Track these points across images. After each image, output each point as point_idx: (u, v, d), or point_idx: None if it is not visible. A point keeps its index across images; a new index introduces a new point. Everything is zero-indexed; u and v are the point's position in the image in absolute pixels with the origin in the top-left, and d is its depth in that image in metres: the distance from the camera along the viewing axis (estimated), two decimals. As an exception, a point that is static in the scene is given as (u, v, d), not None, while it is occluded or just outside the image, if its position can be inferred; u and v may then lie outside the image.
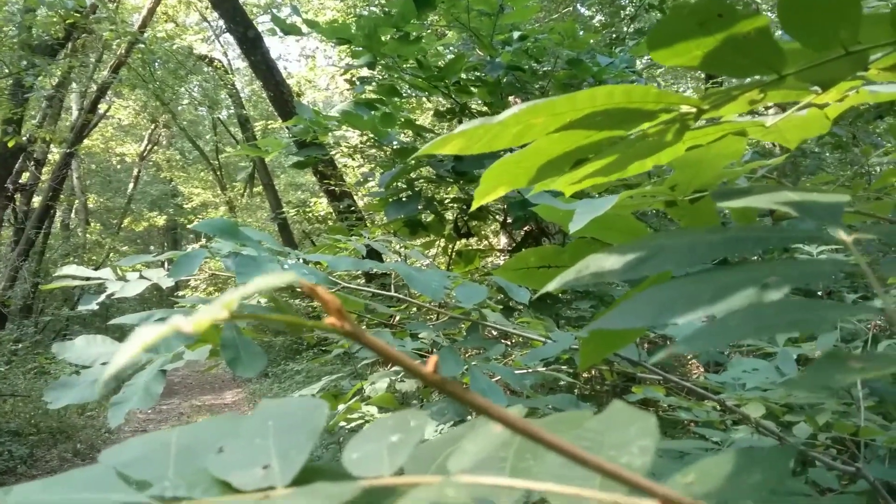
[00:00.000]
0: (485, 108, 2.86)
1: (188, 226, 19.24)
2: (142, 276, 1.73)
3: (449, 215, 3.12)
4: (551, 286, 0.43)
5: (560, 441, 0.25)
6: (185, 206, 18.67)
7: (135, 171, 16.48)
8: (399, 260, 2.76)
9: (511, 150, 0.58)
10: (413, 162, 2.69)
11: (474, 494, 0.27)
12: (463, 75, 2.71)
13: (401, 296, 1.53)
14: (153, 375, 1.46)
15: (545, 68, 2.80)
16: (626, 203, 0.88)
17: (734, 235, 0.39)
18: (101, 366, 1.53)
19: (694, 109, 0.52)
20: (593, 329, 0.34)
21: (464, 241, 3.17)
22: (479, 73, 2.75)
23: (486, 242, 3.63)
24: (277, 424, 0.35)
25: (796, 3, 0.44)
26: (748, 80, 0.51)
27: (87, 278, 1.73)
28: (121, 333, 1.66)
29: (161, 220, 19.09)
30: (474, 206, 0.64)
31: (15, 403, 7.68)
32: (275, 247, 1.44)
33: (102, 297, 1.67)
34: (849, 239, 0.37)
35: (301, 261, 1.45)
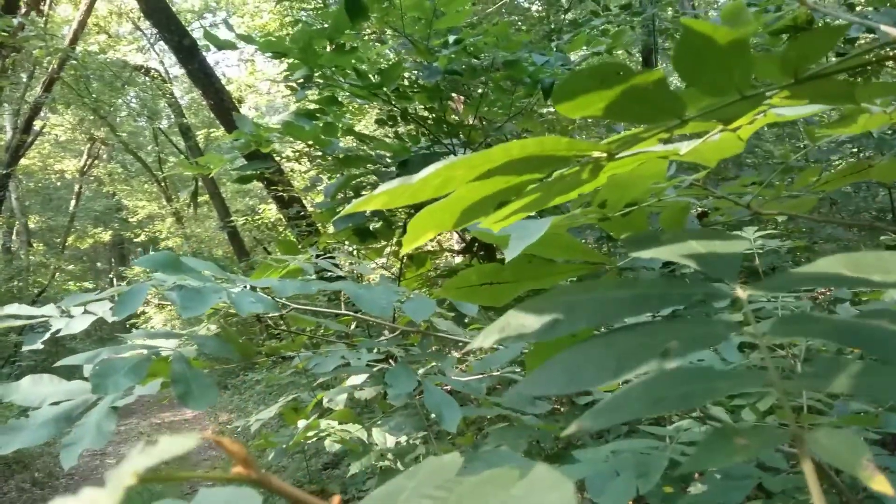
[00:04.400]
0: (425, 113, 2.87)
1: (135, 240, 18.87)
2: (86, 311, 1.71)
3: (398, 219, 3.13)
4: (475, 344, 0.45)
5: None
6: (130, 219, 18.29)
7: (76, 188, 16.09)
8: (349, 272, 2.76)
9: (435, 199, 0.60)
10: (357, 172, 2.69)
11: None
12: (403, 81, 2.72)
13: (351, 313, 1.54)
14: (104, 413, 1.45)
15: (484, 64, 2.81)
16: (561, 223, 0.91)
17: (641, 293, 0.41)
18: (50, 406, 1.51)
19: (604, 154, 0.54)
20: (519, 393, 0.36)
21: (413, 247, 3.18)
22: (418, 80, 2.75)
23: (436, 243, 3.65)
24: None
25: (690, 57, 0.47)
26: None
27: (31, 317, 1.71)
28: (68, 372, 1.63)
29: (107, 236, 18.67)
30: (403, 251, 0.66)
31: (-36, 435, 7.46)
32: (219, 274, 1.43)
33: (47, 336, 1.64)
34: (744, 295, 0.40)
35: (248, 287, 1.44)
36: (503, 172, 0.57)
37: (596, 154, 0.54)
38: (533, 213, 0.93)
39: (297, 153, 5.53)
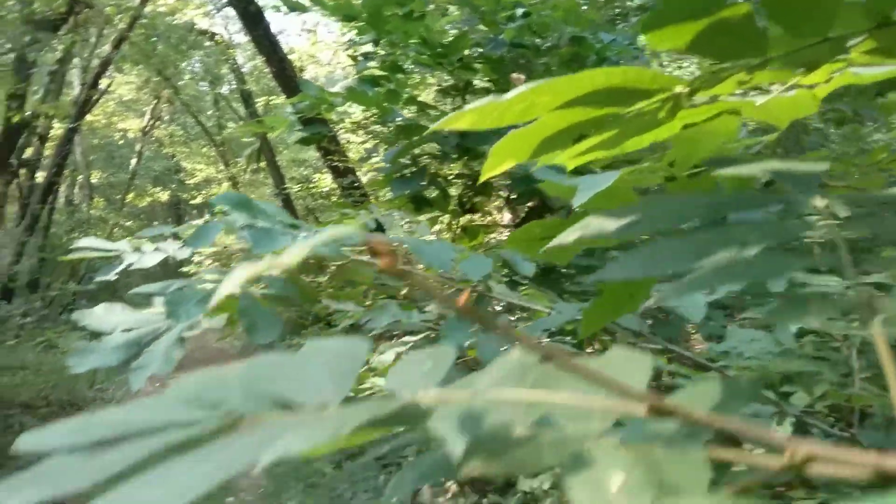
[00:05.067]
0: (488, 85, 2.89)
1: (191, 201, 19.28)
2: (157, 249, 1.78)
3: (453, 191, 3.17)
4: (556, 241, 0.49)
5: (573, 362, 0.30)
6: (187, 181, 18.70)
7: (137, 147, 16.50)
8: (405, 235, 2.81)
9: (516, 127, 0.63)
10: (418, 138, 2.74)
11: (499, 411, 0.33)
12: (467, 52, 2.74)
13: (407, 268, 1.58)
14: (172, 341, 1.52)
15: (548, 44, 2.83)
16: (627, 178, 0.93)
17: (721, 200, 0.44)
18: (122, 332, 1.59)
19: (686, 90, 0.57)
20: (597, 279, 0.39)
21: (468, 216, 3.22)
22: (482, 51, 2.78)
23: (490, 218, 3.68)
24: (324, 358, 0.41)
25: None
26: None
27: (104, 250, 1.79)
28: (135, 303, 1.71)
29: (164, 196, 19.14)
30: (482, 178, 0.70)
31: (25, 377, 7.79)
32: (287, 220, 1.49)
33: (121, 268, 1.72)
34: (822, 204, 0.42)
35: (313, 233, 1.49)
36: (585, 103, 0.60)
37: (678, 89, 0.57)
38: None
39: (355, 124, 5.58)
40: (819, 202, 0.43)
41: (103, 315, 1.65)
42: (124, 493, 0.33)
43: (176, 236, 1.60)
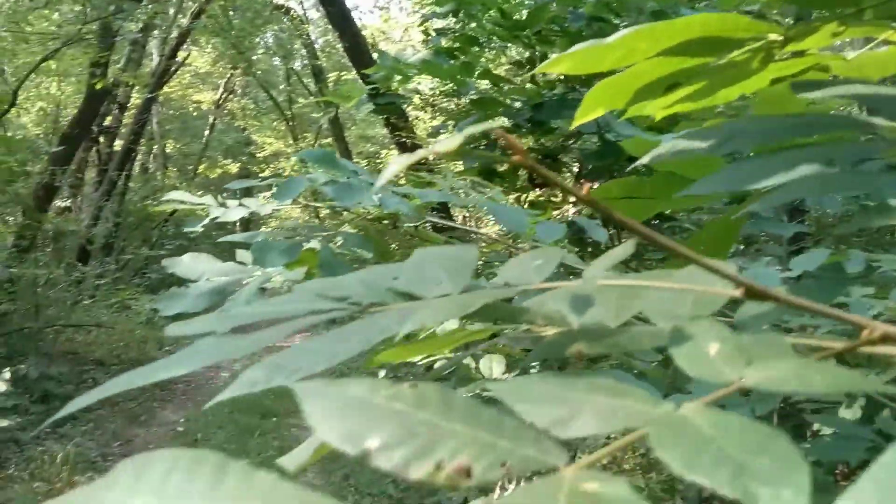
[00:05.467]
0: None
1: (259, 174, 19.66)
2: (241, 204, 1.87)
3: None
4: (644, 160, 0.53)
5: (672, 243, 0.34)
6: (257, 154, 19.09)
7: (210, 119, 16.92)
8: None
9: (605, 75, 0.67)
10: (495, 110, 2.77)
11: (603, 295, 0.37)
12: (544, 25, 2.76)
13: (477, 230, 1.63)
14: (254, 291, 1.60)
15: (625, 23, 2.81)
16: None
17: (806, 120, 0.47)
18: (206, 281, 1.68)
19: (780, 38, 0.60)
20: (696, 192, 0.43)
21: (538, 191, 3.24)
22: (558, 25, 2.79)
23: (558, 194, 3.69)
24: (438, 260, 0.46)
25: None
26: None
27: (192, 203, 1.89)
28: (224, 252, 1.80)
29: (234, 168, 19.59)
30: (575, 124, 0.73)
31: (98, 335, 8.14)
32: (367, 178, 1.55)
33: (206, 221, 1.82)
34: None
35: (391, 192, 1.56)
36: (681, 52, 0.63)
37: (772, 37, 0.60)
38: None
39: (424, 101, 5.62)
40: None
41: (191, 263, 1.74)
42: (286, 356, 0.39)
43: (268, 188, 1.68)
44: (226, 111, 18.48)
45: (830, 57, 0.70)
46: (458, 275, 0.44)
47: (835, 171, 0.37)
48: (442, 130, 7.40)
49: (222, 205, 1.88)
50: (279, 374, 0.37)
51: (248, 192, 2.06)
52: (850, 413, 1.71)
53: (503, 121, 3.13)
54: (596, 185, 0.38)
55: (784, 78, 0.75)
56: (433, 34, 3.90)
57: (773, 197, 0.37)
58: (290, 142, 17.24)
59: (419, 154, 0.33)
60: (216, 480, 0.25)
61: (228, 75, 16.60)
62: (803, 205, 2.24)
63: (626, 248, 0.39)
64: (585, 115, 0.71)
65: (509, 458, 0.26)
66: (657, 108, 0.74)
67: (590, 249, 2.08)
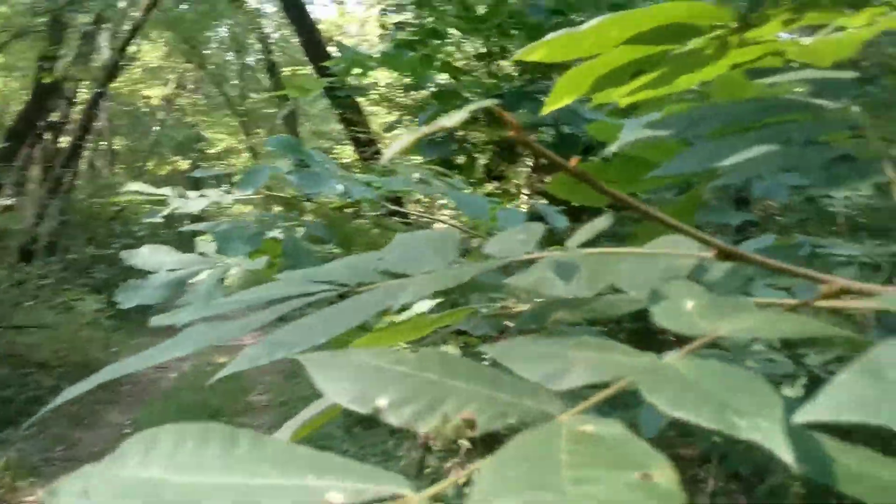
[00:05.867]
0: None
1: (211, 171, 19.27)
2: (202, 195, 1.86)
3: (482, 159, 3.22)
4: (614, 147, 0.55)
5: (654, 211, 0.36)
6: (208, 151, 18.79)
7: (160, 115, 16.61)
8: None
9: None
10: (454, 103, 2.79)
11: (585, 262, 0.39)
12: (504, 18, 2.78)
13: (432, 217, 1.65)
14: (213, 283, 1.59)
15: (581, 19, 2.85)
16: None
17: (759, 105, 0.50)
18: (167, 272, 1.66)
19: (735, 25, 0.63)
20: (662, 174, 0.45)
21: (495, 184, 3.28)
22: (517, 19, 2.82)
23: (514, 185, 3.73)
24: (422, 242, 0.47)
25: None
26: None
27: (151, 194, 1.87)
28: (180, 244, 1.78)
29: (185, 165, 19.26)
30: (546, 110, 0.75)
31: (42, 336, 7.90)
32: (331, 167, 1.55)
33: (166, 212, 1.80)
34: (848, 105, 0.48)
35: (354, 181, 1.56)
36: (647, 39, 0.65)
37: (731, 24, 0.62)
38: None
39: (381, 96, 5.61)
40: (844, 103, 0.48)
41: (150, 255, 1.72)
42: (284, 334, 0.41)
43: (227, 179, 1.67)
44: (176, 107, 18.16)
45: (785, 43, 0.74)
46: (443, 252, 0.46)
47: (791, 149, 0.40)
48: (397, 125, 7.40)
49: (181, 196, 1.87)
50: (279, 350, 0.38)
51: (202, 185, 2.05)
52: (792, 392, 1.77)
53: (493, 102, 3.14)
54: (574, 163, 0.40)
55: (742, 64, 0.79)
56: (391, 28, 3.90)
57: (736, 174, 0.40)
58: (243, 137, 17.02)
59: (423, 131, 0.35)
60: (228, 448, 0.26)
61: (181, 70, 16.32)
62: (749, 194, 2.31)
63: (604, 220, 0.41)
64: (556, 101, 0.73)
65: (510, 410, 0.28)
66: (621, 95, 0.76)
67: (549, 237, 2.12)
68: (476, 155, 3.16)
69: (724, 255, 0.36)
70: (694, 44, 0.67)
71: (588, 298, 0.41)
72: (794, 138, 0.41)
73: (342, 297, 0.45)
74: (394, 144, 0.35)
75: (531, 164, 3.32)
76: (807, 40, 0.74)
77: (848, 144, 0.53)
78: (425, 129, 0.34)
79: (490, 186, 3.42)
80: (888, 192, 0.52)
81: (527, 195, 3.80)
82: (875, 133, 0.45)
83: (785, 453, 0.23)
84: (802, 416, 0.21)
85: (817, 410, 0.21)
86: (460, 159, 3.15)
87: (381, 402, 0.28)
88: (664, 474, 0.21)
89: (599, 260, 0.40)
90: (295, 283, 0.48)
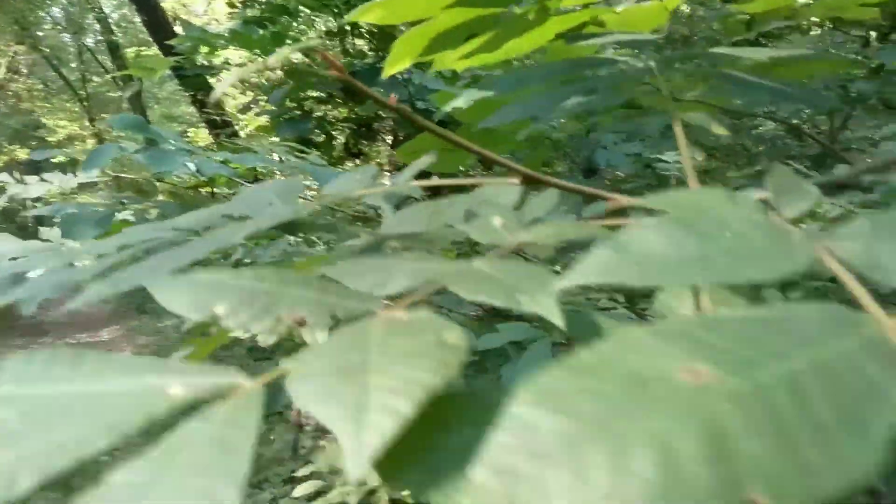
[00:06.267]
0: (374, 29, 2.96)
1: (52, 160, 18.07)
2: (42, 179, 1.78)
3: (339, 136, 3.23)
4: (447, 108, 0.60)
5: (551, 179, 0.41)
6: (49, 139, 17.57)
7: (-9, 101, 15.34)
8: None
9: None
10: (308, 81, 2.78)
11: (419, 211, 0.44)
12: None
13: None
14: (62, 267, 1.53)
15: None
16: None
17: (573, 63, 0.56)
18: (10, 261, 1.58)
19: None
20: (484, 126, 0.50)
21: (356, 161, 3.30)
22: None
23: (375, 163, 3.77)
24: (268, 188, 0.50)
25: None
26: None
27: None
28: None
29: (23, 154, 17.91)
30: (385, 74, 0.79)
31: None
32: (182, 145, 1.52)
33: (5, 197, 1.71)
34: (646, 62, 0.55)
35: (207, 158, 1.54)
36: (475, 2, 0.70)
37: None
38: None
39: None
40: (649, 63, 0.56)
41: (-10, 244, 1.63)
42: (130, 271, 0.42)
43: (71, 168, 1.60)
44: (10, 93, 16.83)
45: (602, 10, 0.81)
46: (287, 197, 0.49)
47: (595, 98, 0.46)
48: (253, 106, 7.23)
49: (19, 182, 1.78)
50: (123, 284, 0.40)
51: (42, 171, 1.95)
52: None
53: (319, 92, 3.14)
54: (392, 101, 0.44)
55: (567, 32, 0.86)
56: (239, 5, 3.81)
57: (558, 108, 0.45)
58: (86, 123, 16.04)
59: (253, 67, 0.38)
60: (75, 364, 0.28)
61: (12, 54, 15.11)
62: (597, 164, 2.47)
63: (425, 159, 0.46)
64: (394, 65, 0.77)
65: (336, 309, 0.32)
66: (455, 59, 0.81)
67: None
68: (334, 133, 3.17)
69: (526, 180, 0.41)
70: (518, 9, 0.73)
71: (419, 232, 0.46)
72: (598, 88, 0.47)
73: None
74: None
75: (390, 141, 3.36)
76: (622, 6, 0.82)
77: (646, 99, 0.60)
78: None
79: (350, 164, 3.44)
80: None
81: (388, 171, 3.84)
82: (666, 86, 0.52)
83: (557, 319, 0.28)
84: (561, 282, 0.26)
85: (572, 276, 0.26)
86: (319, 138, 3.15)
87: (219, 308, 0.31)
88: (456, 336, 0.26)
89: (432, 209, 0.44)
90: (143, 232, 0.49)
